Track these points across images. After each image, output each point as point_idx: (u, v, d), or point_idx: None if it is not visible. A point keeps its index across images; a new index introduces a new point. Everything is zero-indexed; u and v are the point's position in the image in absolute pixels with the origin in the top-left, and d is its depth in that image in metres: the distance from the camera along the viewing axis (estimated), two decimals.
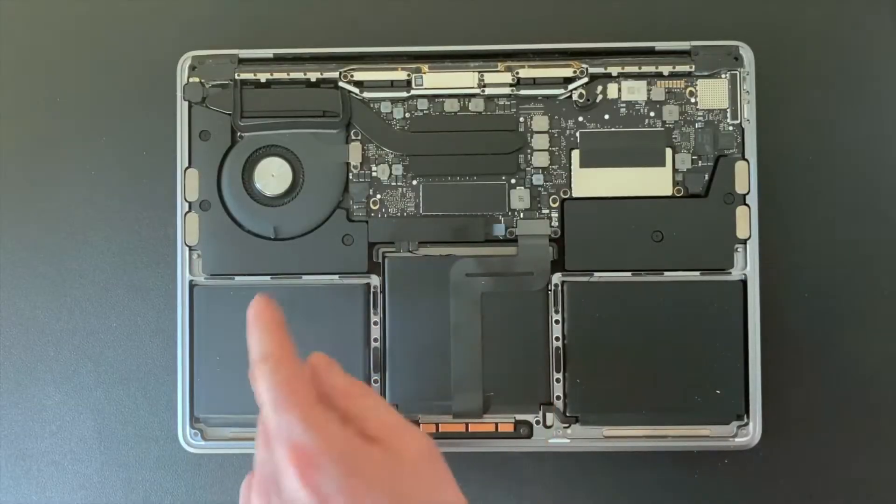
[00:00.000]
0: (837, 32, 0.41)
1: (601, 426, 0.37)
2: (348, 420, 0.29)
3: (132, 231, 0.41)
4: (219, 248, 0.38)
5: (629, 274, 0.37)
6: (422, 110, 0.38)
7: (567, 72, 0.38)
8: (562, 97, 0.38)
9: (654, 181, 0.37)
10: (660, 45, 0.38)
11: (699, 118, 0.38)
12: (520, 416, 0.37)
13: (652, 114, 0.38)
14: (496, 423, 0.37)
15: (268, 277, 0.38)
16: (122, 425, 0.41)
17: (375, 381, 0.37)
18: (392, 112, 0.38)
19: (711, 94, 0.38)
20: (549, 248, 0.37)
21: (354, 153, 0.38)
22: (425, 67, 0.38)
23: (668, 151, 0.37)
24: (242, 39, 0.41)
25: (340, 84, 0.38)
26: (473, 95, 0.38)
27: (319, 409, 0.28)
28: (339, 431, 0.28)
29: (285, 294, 0.37)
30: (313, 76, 0.38)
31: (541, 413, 0.37)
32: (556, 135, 0.38)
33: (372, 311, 0.37)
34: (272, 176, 0.38)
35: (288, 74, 0.38)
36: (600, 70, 0.38)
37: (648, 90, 0.38)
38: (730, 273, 0.37)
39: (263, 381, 0.28)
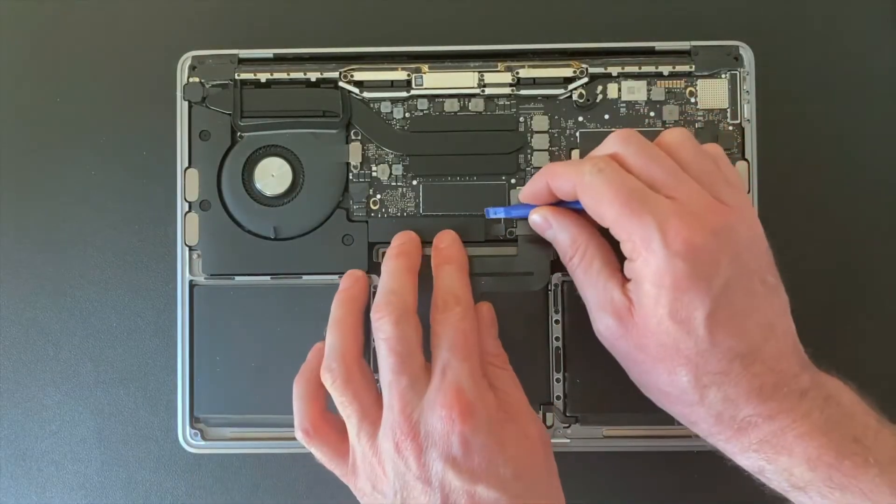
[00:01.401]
0: (837, 32, 0.41)
1: (601, 426, 0.37)
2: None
3: (132, 231, 0.41)
4: (219, 248, 0.38)
5: None
6: (422, 110, 0.38)
7: (567, 72, 0.38)
8: (562, 97, 0.38)
9: None
10: (660, 45, 0.38)
11: (699, 118, 0.38)
12: None
13: (652, 114, 0.38)
14: None
15: (268, 277, 0.38)
16: (122, 425, 0.41)
17: (376, 380, 0.37)
18: (392, 112, 0.38)
19: (711, 94, 0.38)
20: (549, 248, 0.37)
21: (354, 153, 0.38)
22: (425, 67, 0.38)
23: None
24: (242, 39, 0.41)
25: (340, 84, 0.38)
26: (473, 95, 0.38)
27: (482, 372, 0.32)
28: (492, 399, 0.31)
29: (285, 294, 0.37)
30: (313, 76, 0.38)
31: (541, 413, 0.37)
32: (556, 135, 0.38)
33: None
34: (272, 176, 0.38)
35: (288, 74, 0.38)
36: (600, 70, 0.38)
37: (648, 90, 0.38)
38: None
39: (450, 322, 0.32)
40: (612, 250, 0.32)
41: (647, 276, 0.29)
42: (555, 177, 0.33)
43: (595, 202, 0.30)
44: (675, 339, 0.29)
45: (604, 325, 0.32)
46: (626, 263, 0.31)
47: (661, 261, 0.29)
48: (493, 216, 0.36)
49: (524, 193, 0.35)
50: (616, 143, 0.31)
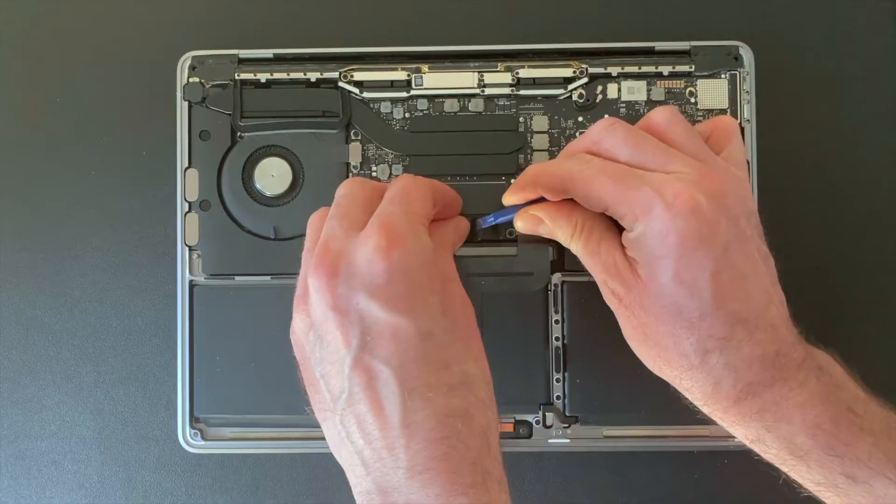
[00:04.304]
0: (837, 32, 0.41)
1: (601, 426, 0.37)
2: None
3: (132, 231, 0.41)
4: (219, 248, 0.38)
5: None
6: (422, 110, 0.38)
7: (567, 72, 0.38)
8: (562, 97, 0.38)
9: None
10: (660, 45, 0.38)
11: (699, 118, 0.38)
12: (520, 416, 0.37)
13: None
14: None
15: (268, 277, 0.38)
16: (122, 425, 0.41)
17: None
18: (392, 112, 0.38)
19: (711, 94, 0.38)
20: (549, 248, 0.37)
21: (354, 153, 0.38)
22: (425, 67, 0.38)
23: None
24: (242, 39, 0.41)
25: (340, 84, 0.38)
26: (473, 95, 0.38)
27: (421, 220, 0.30)
28: (429, 244, 0.29)
29: (285, 294, 0.37)
30: (313, 76, 0.38)
31: (541, 413, 0.37)
32: (556, 135, 0.38)
33: None
34: (272, 176, 0.38)
35: (288, 74, 0.38)
36: (600, 70, 0.38)
37: (648, 90, 0.38)
38: None
39: (397, 183, 0.31)
40: (610, 222, 0.32)
41: (649, 239, 0.29)
42: (541, 175, 0.32)
43: (588, 189, 0.30)
44: (679, 302, 0.29)
45: (609, 290, 0.32)
46: (626, 234, 0.30)
47: (664, 222, 0.28)
48: (485, 225, 0.36)
49: (509, 195, 0.34)
50: (600, 132, 0.31)
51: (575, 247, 0.32)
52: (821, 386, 0.29)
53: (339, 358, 0.28)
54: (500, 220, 0.35)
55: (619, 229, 0.31)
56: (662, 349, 0.30)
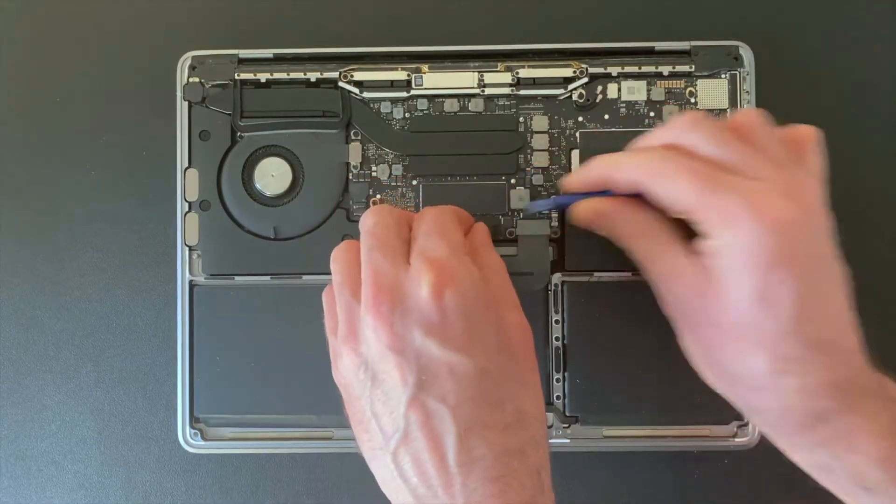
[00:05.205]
0: (837, 32, 0.41)
1: (601, 426, 0.37)
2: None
3: (132, 231, 0.41)
4: (219, 248, 0.38)
5: (629, 274, 0.37)
6: (422, 110, 0.38)
7: (567, 72, 0.38)
8: (562, 97, 0.38)
9: None
10: (660, 45, 0.38)
11: None
12: None
13: (652, 114, 0.38)
14: None
15: (268, 277, 0.38)
16: (122, 425, 0.41)
17: None
18: (392, 112, 0.38)
19: (711, 94, 0.38)
20: (549, 249, 0.37)
21: (354, 153, 0.38)
22: (425, 67, 0.38)
23: None
24: (242, 39, 0.41)
25: (340, 84, 0.38)
26: (473, 95, 0.38)
27: (463, 249, 0.30)
28: (478, 273, 0.29)
29: (285, 294, 0.37)
30: (313, 76, 0.38)
31: None
32: (556, 135, 0.38)
33: None
34: (272, 176, 0.38)
35: (288, 74, 0.38)
36: (600, 70, 0.38)
37: (648, 90, 0.38)
38: None
39: (426, 216, 0.31)
40: (676, 225, 0.30)
41: (733, 251, 0.27)
42: (617, 167, 0.30)
43: (670, 187, 0.28)
44: (755, 320, 0.27)
45: (674, 296, 0.30)
46: (703, 241, 0.28)
47: (753, 236, 0.27)
48: (534, 210, 0.34)
49: (572, 182, 0.32)
50: (682, 129, 0.29)
51: (637, 248, 0.31)
52: (890, 416, 0.28)
53: (394, 396, 0.27)
54: (554, 206, 0.34)
55: (686, 233, 0.30)
56: (728, 366, 0.29)
